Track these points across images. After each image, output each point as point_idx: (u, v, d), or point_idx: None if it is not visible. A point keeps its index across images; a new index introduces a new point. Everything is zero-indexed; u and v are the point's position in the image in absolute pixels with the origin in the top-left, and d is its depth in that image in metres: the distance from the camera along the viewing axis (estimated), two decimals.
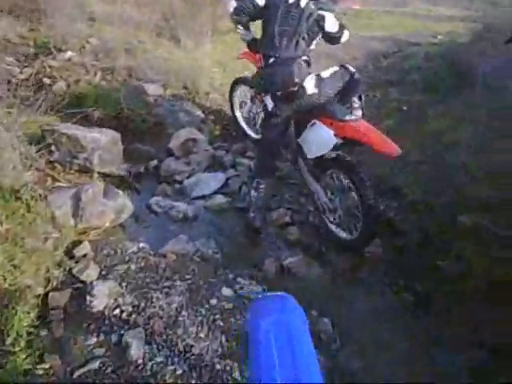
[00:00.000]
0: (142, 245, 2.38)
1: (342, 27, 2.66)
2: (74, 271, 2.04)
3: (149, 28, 5.55)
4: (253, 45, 2.85)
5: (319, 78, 2.59)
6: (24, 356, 1.52)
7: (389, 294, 2.64)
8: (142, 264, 2.21)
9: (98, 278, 2.02)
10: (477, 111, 3.87)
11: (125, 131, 3.53)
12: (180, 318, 1.88)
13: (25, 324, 1.64)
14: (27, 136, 2.56)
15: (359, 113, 2.82)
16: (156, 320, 1.84)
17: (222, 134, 4.19)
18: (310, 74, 2.59)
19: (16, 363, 1.47)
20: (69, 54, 4.76)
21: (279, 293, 1.13)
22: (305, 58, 2.59)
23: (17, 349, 1.53)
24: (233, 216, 3.01)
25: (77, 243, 2.22)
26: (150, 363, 1.65)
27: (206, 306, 1.99)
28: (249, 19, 2.69)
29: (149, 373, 1.62)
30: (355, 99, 2.83)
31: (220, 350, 1.78)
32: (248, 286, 2.29)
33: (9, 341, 1.54)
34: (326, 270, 2.71)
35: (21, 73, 4.43)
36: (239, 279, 2.33)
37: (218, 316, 1.95)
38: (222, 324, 1.91)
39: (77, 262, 2.11)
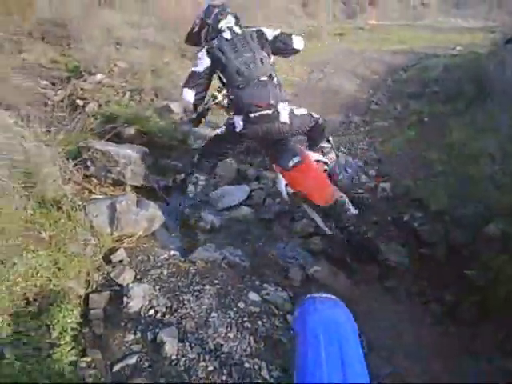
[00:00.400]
0: (172, 252, 2.51)
1: (287, 34, 2.81)
2: (112, 275, 2.18)
3: (173, 50, 5.84)
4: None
5: (292, 112, 2.64)
6: (69, 348, 1.65)
7: (416, 304, 2.65)
8: (174, 269, 2.34)
9: (133, 282, 2.15)
10: (498, 121, 3.88)
11: (153, 147, 3.72)
12: (210, 319, 1.97)
13: (69, 321, 1.77)
14: (65, 152, 2.75)
15: (332, 155, 3.02)
16: (188, 320, 1.94)
17: (245, 148, 4.33)
18: (285, 100, 2.64)
19: (62, 355, 1.60)
20: (99, 76, 5.06)
21: (328, 295, 1.16)
22: (276, 79, 2.65)
23: (62, 342, 1.66)
24: (257, 226, 3.11)
25: (113, 250, 2.37)
26: (183, 359, 1.75)
27: (235, 309, 2.08)
28: (208, 84, 2.74)
29: (182, 368, 1.71)
30: (324, 144, 2.98)
31: (248, 349, 1.86)
32: (274, 291, 2.37)
33: (54, 335, 1.67)
34: (351, 279, 2.76)
35: (55, 95, 4.74)
36: (265, 285, 2.42)
37: (245, 319, 2.04)
38: (249, 326, 1.99)
39: (114, 267, 2.25)
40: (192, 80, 2.66)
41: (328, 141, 3.03)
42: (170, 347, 1.78)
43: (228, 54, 2.56)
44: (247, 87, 2.53)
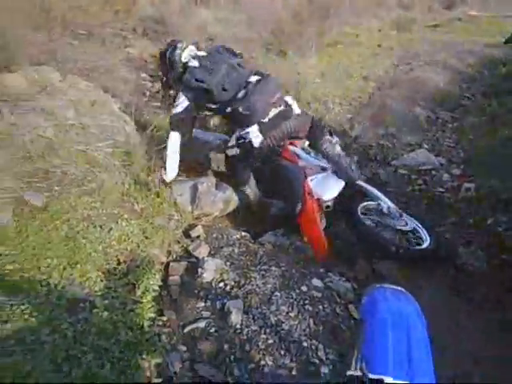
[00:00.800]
0: (243, 233, 2.69)
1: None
2: (190, 248, 2.42)
3: (259, 44, 6.03)
4: None
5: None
6: (149, 306, 1.90)
7: (491, 310, 2.50)
8: (244, 249, 2.51)
9: (207, 256, 2.37)
10: None
11: None
12: (273, 297, 2.10)
13: (151, 282, 2.03)
14: (159, 137, 3.07)
15: (338, 148, 2.87)
16: (253, 295, 2.09)
17: None
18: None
19: (143, 310, 1.85)
20: None
21: (399, 287, 1.13)
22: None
23: (144, 300, 1.91)
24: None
25: (192, 226, 2.62)
26: (246, 329, 1.90)
27: (297, 291, 2.18)
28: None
29: (245, 337, 1.87)
30: (328, 137, 2.84)
31: (307, 330, 1.95)
32: (338, 281, 2.41)
33: (138, 293, 1.93)
34: (421, 278, 2.68)
35: (152, 87, 5.24)
36: (330, 274, 2.47)
37: (307, 301, 2.12)
38: (310, 309, 2.08)
39: (192, 241, 2.49)
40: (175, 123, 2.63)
41: (331, 133, 2.93)
42: (236, 317, 1.95)
43: (205, 79, 2.49)
44: (253, 95, 2.46)
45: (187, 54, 2.66)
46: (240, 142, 2.60)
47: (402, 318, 0.95)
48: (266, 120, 2.47)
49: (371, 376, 0.61)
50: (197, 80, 2.50)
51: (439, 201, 3.37)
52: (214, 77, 2.47)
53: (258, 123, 2.48)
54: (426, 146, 4.16)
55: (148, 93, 4.91)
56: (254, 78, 2.52)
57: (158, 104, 4.50)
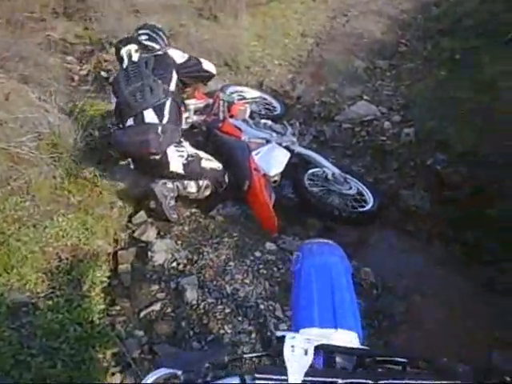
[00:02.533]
0: (193, 210, 2.64)
1: (195, 58, 2.65)
2: (136, 234, 2.36)
3: (189, 11, 5.75)
4: None
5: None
6: (98, 299, 1.85)
7: (437, 245, 2.66)
8: (195, 225, 2.48)
9: (156, 238, 2.31)
10: None
11: None
12: (228, 268, 2.10)
13: (98, 275, 1.97)
14: (87, 122, 2.88)
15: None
16: (207, 270, 2.09)
17: None
18: (177, 140, 2.34)
19: (92, 304, 1.80)
20: None
21: (326, 240, 1.17)
22: (168, 104, 2.33)
23: (92, 293, 1.86)
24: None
25: (138, 211, 2.54)
26: (202, 304, 1.91)
27: (251, 258, 2.20)
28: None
29: (202, 311, 1.87)
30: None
31: (263, 293, 1.98)
32: (291, 240, 2.45)
33: (85, 288, 1.87)
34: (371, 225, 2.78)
35: (80, 70, 4.90)
36: (282, 236, 2.50)
37: (261, 266, 2.15)
38: (265, 272, 2.11)
39: (138, 227, 2.42)
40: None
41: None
42: (191, 293, 1.94)
43: (121, 85, 2.36)
44: (130, 127, 2.29)
45: (125, 51, 2.47)
46: None
47: (325, 268, 0.98)
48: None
49: (277, 333, 0.62)
50: (116, 81, 2.45)
51: (382, 149, 3.46)
52: (126, 88, 2.34)
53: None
54: (366, 97, 4.21)
55: (76, 77, 4.59)
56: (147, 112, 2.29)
57: (89, 87, 4.22)
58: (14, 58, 3.55)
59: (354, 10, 6.40)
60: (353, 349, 0.67)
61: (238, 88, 3.87)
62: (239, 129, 2.94)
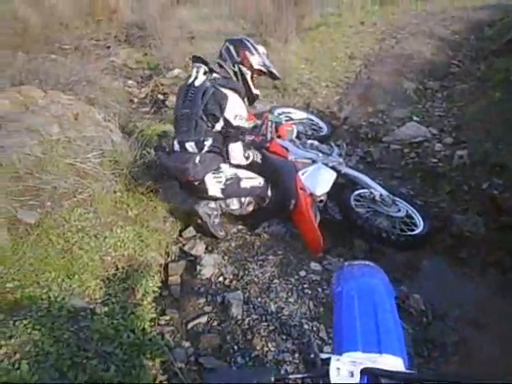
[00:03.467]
0: (240, 227, 2.72)
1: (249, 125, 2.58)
2: (186, 248, 2.46)
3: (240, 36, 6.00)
4: None
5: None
6: (150, 307, 1.94)
7: (493, 274, 2.52)
8: (241, 242, 2.54)
9: (204, 253, 2.40)
10: None
11: None
12: (272, 285, 2.13)
13: (150, 285, 2.07)
14: (145, 141, 3.09)
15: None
16: (252, 286, 2.13)
17: None
18: (215, 168, 2.35)
19: (144, 312, 1.89)
20: (176, 71, 5.45)
21: (366, 262, 1.15)
22: (208, 143, 2.31)
23: (145, 302, 1.95)
24: None
25: (188, 226, 2.65)
26: (247, 319, 1.94)
27: (296, 277, 2.21)
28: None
29: (246, 327, 1.90)
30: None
31: (308, 313, 1.98)
32: (336, 262, 2.44)
33: (138, 296, 1.98)
34: (420, 251, 2.69)
35: (140, 93, 5.26)
36: (328, 256, 2.50)
37: (306, 285, 2.15)
38: (309, 292, 2.11)
39: (188, 241, 2.52)
40: None
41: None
42: (236, 309, 1.98)
43: (178, 100, 2.41)
44: (168, 157, 2.39)
45: (194, 71, 2.38)
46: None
47: (367, 291, 0.96)
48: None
49: (322, 356, 0.63)
50: (177, 94, 2.48)
51: (433, 171, 3.36)
52: (179, 108, 2.39)
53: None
54: (416, 118, 4.14)
55: (135, 99, 4.94)
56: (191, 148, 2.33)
57: (147, 109, 4.52)
58: (82, 81, 3.90)
59: (403, 32, 6.37)
60: (399, 373, 0.65)
61: (286, 109, 3.95)
62: (286, 149, 3.00)
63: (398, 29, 6.54)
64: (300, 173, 2.78)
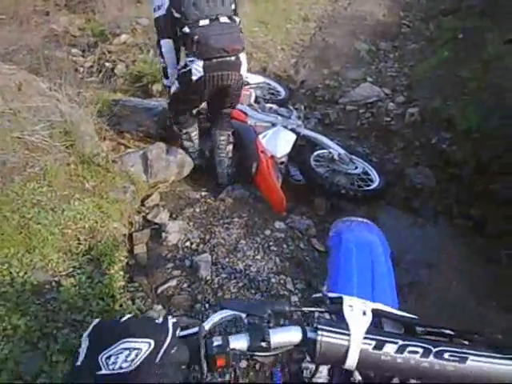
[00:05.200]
0: (203, 193, 2.71)
1: None
2: (149, 217, 2.43)
3: None
4: None
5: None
6: (117, 276, 1.93)
7: (441, 221, 2.71)
8: (205, 207, 2.55)
9: (169, 220, 2.39)
10: None
11: None
12: (239, 246, 2.18)
13: (116, 255, 2.05)
14: (97, 111, 2.96)
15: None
16: (219, 248, 2.16)
17: None
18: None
19: (111, 280, 1.88)
20: (123, 37, 5.16)
21: (364, 219, 1.19)
22: (239, 22, 2.42)
23: (111, 271, 1.94)
24: None
25: (150, 195, 2.61)
26: (216, 278, 1.98)
27: (261, 236, 2.27)
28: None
29: (216, 286, 1.95)
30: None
31: (274, 268, 2.06)
32: (299, 220, 2.52)
33: (104, 266, 1.95)
34: (376, 205, 2.84)
35: (85, 62, 4.94)
36: (291, 215, 2.57)
37: (271, 243, 2.23)
38: (275, 249, 2.18)
39: (152, 209, 2.49)
40: (164, 28, 2.43)
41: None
42: (205, 270, 2.02)
43: None
44: (211, 26, 2.30)
45: None
46: (181, 70, 2.47)
47: (365, 245, 1.01)
48: (214, 62, 2.35)
49: (331, 295, 0.65)
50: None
51: (387, 130, 3.50)
52: None
53: (204, 60, 2.34)
54: (369, 79, 4.23)
55: (81, 69, 4.64)
56: (223, 19, 2.34)
57: (95, 79, 4.28)
58: (22, 50, 3.62)
59: None
60: (405, 317, 0.65)
61: None
62: (245, 113, 2.99)
63: None
64: (260, 136, 2.80)
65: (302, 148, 2.97)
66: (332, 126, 3.75)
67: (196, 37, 2.29)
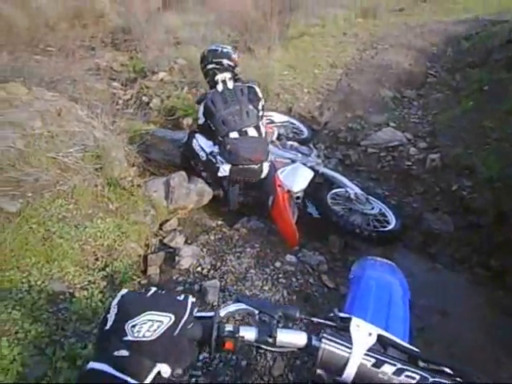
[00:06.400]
0: (219, 222, 2.79)
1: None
2: (165, 240, 2.52)
3: (226, 44, 6.14)
4: None
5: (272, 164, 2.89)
6: None
7: (459, 269, 2.65)
8: (219, 236, 2.61)
9: (184, 245, 2.46)
10: None
11: None
12: (248, 275, 2.20)
13: (130, 273, 2.12)
14: (128, 139, 3.16)
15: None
16: (229, 275, 2.20)
17: None
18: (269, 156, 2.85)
19: None
20: (161, 74, 5.55)
21: (388, 261, 1.21)
22: (263, 132, 2.87)
23: (123, 288, 1.99)
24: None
25: (169, 220, 2.71)
26: (222, 305, 2.00)
27: (271, 267, 2.30)
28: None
29: None
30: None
31: (281, 300, 2.06)
32: (311, 255, 2.53)
33: (117, 282, 2.02)
34: (392, 245, 2.81)
35: (124, 94, 5.31)
36: (304, 250, 2.59)
37: (281, 275, 2.24)
38: (284, 281, 2.19)
39: (168, 234, 2.58)
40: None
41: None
42: (212, 295, 2.05)
43: (217, 105, 2.80)
44: (242, 140, 2.75)
45: (220, 77, 2.97)
46: (209, 156, 2.84)
47: (385, 286, 1.02)
48: (240, 167, 2.74)
49: (341, 314, 0.67)
50: (212, 101, 2.82)
51: (407, 174, 3.51)
52: (224, 108, 2.79)
53: (232, 165, 2.73)
54: (392, 124, 4.31)
55: (120, 101, 4.98)
56: (251, 131, 2.80)
57: (131, 111, 4.57)
58: (66, 80, 3.95)
59: (383, 43, 6.60)
60: (409, 348, 0.67)
61: (268, 113, 4.08)
62: None
63: (378, 40, 6.78)
64: (279, 171, 2.89)
65: (320, 185, 3.03)
66: (352, 166, 3.81)
67: (228, 146, 2.73)
